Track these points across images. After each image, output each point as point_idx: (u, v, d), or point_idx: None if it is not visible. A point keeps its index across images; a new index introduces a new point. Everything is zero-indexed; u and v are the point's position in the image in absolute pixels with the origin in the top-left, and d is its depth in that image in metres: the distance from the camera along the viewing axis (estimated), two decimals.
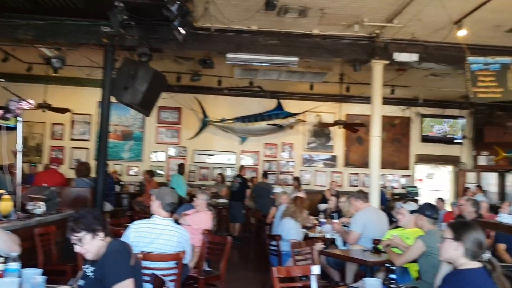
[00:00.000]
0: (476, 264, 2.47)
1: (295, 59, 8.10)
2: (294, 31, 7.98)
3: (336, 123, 11.13)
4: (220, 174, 11.80)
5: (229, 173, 12.45)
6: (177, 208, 6.45)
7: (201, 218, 5.46)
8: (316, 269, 3.53)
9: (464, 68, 7.22)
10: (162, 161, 12.46)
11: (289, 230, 5.45)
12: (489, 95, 7.21)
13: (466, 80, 7.12)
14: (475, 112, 13.00)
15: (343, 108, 11.87)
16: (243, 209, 10.59)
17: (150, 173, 10.81)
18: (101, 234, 2.77)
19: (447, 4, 6.46)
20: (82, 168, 7.53)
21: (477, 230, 2.56)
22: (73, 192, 6.82)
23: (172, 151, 12.50)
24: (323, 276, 5.54)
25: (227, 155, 12.64)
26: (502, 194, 12.56)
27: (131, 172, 12.34)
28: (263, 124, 12.26)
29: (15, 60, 9.94)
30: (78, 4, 6.82)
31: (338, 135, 12.87)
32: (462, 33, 7.23)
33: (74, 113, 11.98)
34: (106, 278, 2.63)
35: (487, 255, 2.48)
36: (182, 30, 6.48)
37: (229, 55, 8.04)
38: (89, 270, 2.76)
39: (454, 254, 2.53)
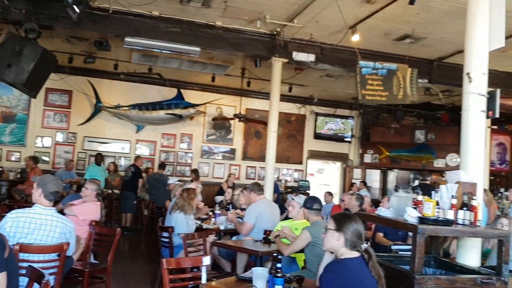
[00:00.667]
0: (354, 254, 2.64)
1: (197, 49, 8.00)
2: (197, 20, 7.89)
3: (236, 116, 11.26)
4: (112, 163, 11.28)
5: (122, 162, 11.96)
6: (62, 197, 6.07)
7: (88, 209, 5.18)
8: (206, 260, 3.53)
9: (356, 71, 7.70)
10: (48, 147, 11.55)
11: (179, 223, 5.36)
12: (376, 98, 7.77)
13: (356, 82, 7.60)
14: (363, 113, 13.98)
15: (244, 102, 12.03)
16: (135, 199, 10.28)
17: (34, 160, 9.97)
18: None
19: (343, 9, 6.82)
20: None
21: (357, 222, 2.74)
22: None
23: (60, 137, 11.65)
24: (215, 267, 5.58)
25: (121, 144, 12.10)
26: (384, 190, 13.70)
27: (12, 158, 11.26)
28: (161, 113, 11.91)
29: None
30: None
31: (237, 128, 13.01)
32: (355, 38, 7.70)
33: None
34: None
35: (364, 245, 2.66)
36: (76, 9, 6.05)
37: (128, 39, 7.69)
38: None
39: (336, 244, 2.68)
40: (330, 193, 9.94)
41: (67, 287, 4.54)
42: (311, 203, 4.58)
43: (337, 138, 13.86)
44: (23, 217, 3.58)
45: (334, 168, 14.66)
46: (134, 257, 8.00)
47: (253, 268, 3.07)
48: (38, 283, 2.90)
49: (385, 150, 13.38)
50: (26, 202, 6.66)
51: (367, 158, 13.94)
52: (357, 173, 13.94)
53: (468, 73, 4.16)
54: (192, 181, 10.15)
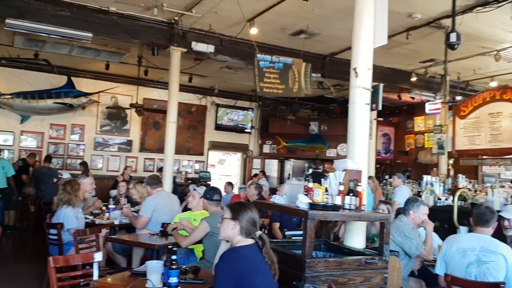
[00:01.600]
0: (249, 241, 2.70)
1: (89, 34, 7.55)
2: (89, 5, 7.45)
3: (132, 106, 10.87)
4: None
5: (6, 155, 10.92)
6: None
7: None
8: (98, 256, 3.38)
9: (254, 64, 7.83)
10: None
11: (68, 218, 5.03)
12: (273, 90, 8.00)
13: (255, 75, 7.74)
14: (262, 105, 14.34)
15: (141, 92, 11.66)
16: (20, 195, 9.48)
17: None
18: None
19: (242, 1, 6.88)
20: None
21: (252, 210, 2.80)
22: None
23: None
24: (111, 263, 5.36)
25: (3, 135, 11.02)
26: (282, 179, 14.23)
27: None
28: (49, 102, 11.03)
29: None
30: None
31: (134, 119, 12.54)
32: (253, 31, 7.84)
33: None
34: None
35: (259, 232, 2.73)
36: None
37: (9, 21, 7.01)
38: None
39: (231, 232, 2.72)
40: (230, 184, 10.06)
41: None
42: (211, 194, 4.61)
43: (238, 129, 14.06)
44: None
45: (235, 159, 14.86)
46: (19, 258, 7.40)
47: (147, 262, 3.00)
48: None
49: (282, 140, 13.88)
50: None
51: (266, 149, 14.36)
52: (256, 163, 14.31)
53: (355, 68, 4.42)
54: (87, 175, 9.61)
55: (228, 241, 2.82)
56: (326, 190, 3.64)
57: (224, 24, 8.14)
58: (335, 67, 9.77)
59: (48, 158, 10.29)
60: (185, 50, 8.29)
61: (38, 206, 8.83)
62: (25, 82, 11.00)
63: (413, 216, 4.44)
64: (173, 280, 2.72)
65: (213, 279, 2.58)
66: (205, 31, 8.37)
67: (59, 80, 11.32)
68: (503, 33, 7.85)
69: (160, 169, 10.14)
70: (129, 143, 12.62)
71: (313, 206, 3.31)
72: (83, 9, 7.46)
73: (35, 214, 9.09)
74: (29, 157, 10.18)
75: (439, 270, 3.75)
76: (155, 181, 5.81)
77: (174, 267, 2.71)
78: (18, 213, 9.63)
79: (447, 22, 7.16)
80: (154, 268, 2.85)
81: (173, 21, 8.01)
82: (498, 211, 4.48)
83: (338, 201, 3.60)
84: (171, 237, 4.65)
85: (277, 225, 6.16)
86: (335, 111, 14.57)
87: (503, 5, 6.49)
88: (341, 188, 3.69)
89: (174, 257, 2.73)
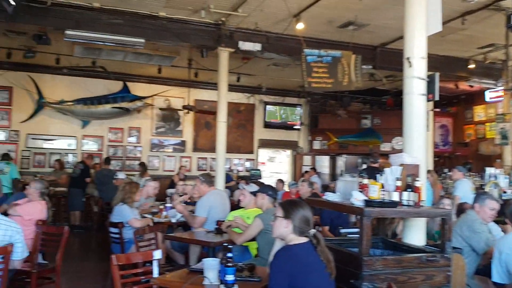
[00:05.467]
0: (303, 239, 2.67)
1: (141, 40, 7.80)
2: (140, 11, 7.70)
3: (184, 108, 11.12)
4: (58, 160, 10.86)
5: (70, 159, 11.54)
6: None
7: (33, 208, 4.97)
8: (157, 254, 3.48)
9: (301, 59, 7.78)
10: None
11: (125, 214, 5.29)
12: (322, 85, 7.91)
13: (302, 70, 7.69)
14: (311, 101, 14.20)
15: (192, 93, 11.93)
16: (83, 196, 9.97)
17: None
18: None
19: None
20: None
21: (305, 208, 2.77)
22: None
23: (1, 135, 11.11)
24: (169, 260, 5.52)
25: (67, 140, 11.67)
26: (333, 175, 14.00)
27: None
28: (107, 107, 11.56)
29: None
30: None
31: (187, 120, 12.86)
32: (300, 26, 7.77)
33: None
34: None
35: (313, 231, 2.70)
36: (11, 1, 5.74)
37: (68, 32, 7.39)
38: None
39: (284, 231, 2.71)
40: (281, 181, 10.08)
41: None
42: (267, 189, 4.65)
43: (287, 126, 14.01)
44: None
45: (285, 156, 14.82)
46: (84, 256, 7.78)
47: (204, 259, 3.05)
48: None
49: (333, 136, 13.65)
50: None
51: (316, 145, 14.19)
52: (307, 159, 14.16)
53: (408, 58, 4.27)
54: (141, 175, 9.97)
55: (282, 239, 2.81)
56: (382, 186, 3.54)
57: (270, 22, 8.14)
58: (387, 57, 9.48)
59: (108, 160, 10.76)
60: (232, 50, 8.37)
61: (100, 206, 9.25)
62: (84, 89, 11.56)
63: (478, 209, 4.26)
64: (230, 277, 2.74)
65: (268, 277, 2.59)
66: (251, 30, 8.41)
67: (115, 86, 11.81)
68: None
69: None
70: (183, 143, 12.93)
71: (369, 203, 3.24)
72: (135, 16, 7.72)
73: (98, 214, 9.53)
74: (87, 158, 10.66)
75: (497, 277, 3.48)
76: (211, 179, 5.91)
77: (230, 264, 2.74)
78: (83, 213, 10.12)
79: (507, 3, 6.72)
80: (211, 266, 2.90)
81: (220, 22, 8.11)
82: None
83: (395, 197, 3.51)
84: (226, 234, 4.72)
85: (326, 228, 6.02)
86: (388, 103, 14.12)
87: None
88: (398, 183, 3.58)
89: (230, 254, 2.76)
